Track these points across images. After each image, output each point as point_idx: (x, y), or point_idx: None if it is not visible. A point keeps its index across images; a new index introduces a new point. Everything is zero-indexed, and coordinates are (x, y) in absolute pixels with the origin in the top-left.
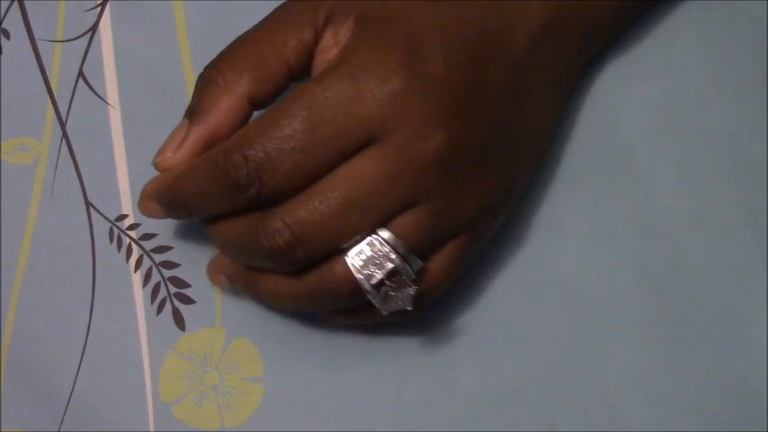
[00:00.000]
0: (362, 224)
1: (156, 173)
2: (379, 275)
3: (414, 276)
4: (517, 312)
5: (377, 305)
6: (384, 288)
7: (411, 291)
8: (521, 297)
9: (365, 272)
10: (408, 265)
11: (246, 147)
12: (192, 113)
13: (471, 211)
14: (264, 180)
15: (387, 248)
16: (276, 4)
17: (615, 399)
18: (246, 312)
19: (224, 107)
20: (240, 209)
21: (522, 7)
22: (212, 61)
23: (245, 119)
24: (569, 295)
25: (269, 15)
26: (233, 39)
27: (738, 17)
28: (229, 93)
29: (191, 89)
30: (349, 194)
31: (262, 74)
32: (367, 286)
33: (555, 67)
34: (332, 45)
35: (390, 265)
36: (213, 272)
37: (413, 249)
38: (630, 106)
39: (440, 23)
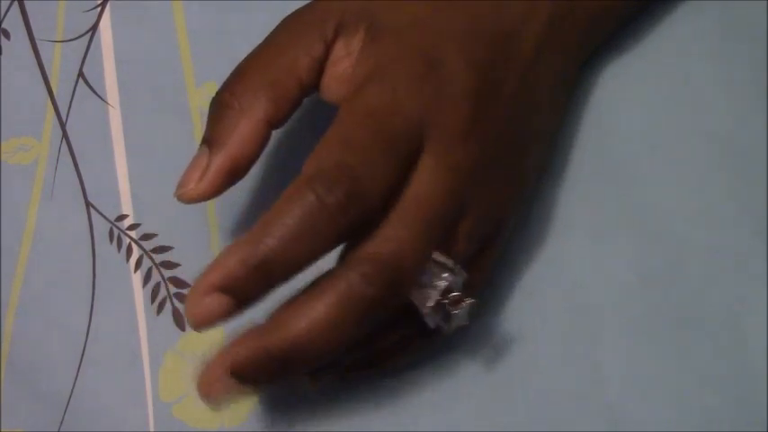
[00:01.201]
0: (429, 252)
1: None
2: (435, 296)
3: (462, 290)
4: (517, 312)
5: (435, 325)
6: (441, 307)
7: (467, 304)
8: (520, 297)
9: (421, 296)
10: (457, 278)
11: (327, 170)
12: (211, 141)
13: (501, 215)
14: (363, 190)
15: (438, 267)
16: (276, 4)
17: (615, 399)
18: (246, 313)
19: (243, 133)
20: (343, 237)
21: (527, 7)
22: (225, 84)
23: (264, 142)
24: (569, 295)
25: (277, 29)
26: (233, 39)
27: (738, 17)
28: (247, 117)
29: (191, 89)
30: (426, 217)
31: (277, 94)
32: (428, 310)
33: (557, 67)
34: (343, 56)
35: (444, 284)
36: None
37: (460, 262)
38: (630, 106)
39: (451, 27)
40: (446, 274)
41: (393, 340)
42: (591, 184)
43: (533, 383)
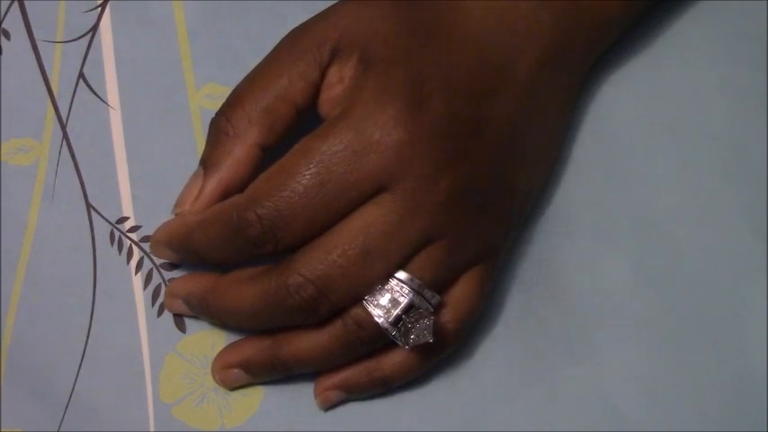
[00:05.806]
0: (380, 271)
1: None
2: (395, 312)
3: (432, 310)
4: (517, 312)
5: (398, 341)
6: (402, 323)
7: (428, 321)
8: (520, 297)
9: (383, 311)
10: (424, 298)
11: (258, 205)
12: (206, 164)
13: (485, 239)
14: (280, 237)
15: (400, 286)
16: (275, 5)
17: (615, 399)
18: None
19: (236, 158)
20: (254, 258)
21: (529, 27)
22: (222, 108)
23: (257, 166)
24: (569, 295)
25: (273, 52)
26: (233, 39)
27: (738, 17)
28: (240, 143)
29: (191, 90)
30: (365, 245)
31: (271, 120)
32: (386, 324)
33: (562, 81)
34: (336, 81)
35: (404, 300)
36: (222, 370)
37: (428, 284)
38: (630, 106)
39: (441, 61)
40: (408, 292)
41: (396, 361)
42: (591, 184)
43: (533, 383)
